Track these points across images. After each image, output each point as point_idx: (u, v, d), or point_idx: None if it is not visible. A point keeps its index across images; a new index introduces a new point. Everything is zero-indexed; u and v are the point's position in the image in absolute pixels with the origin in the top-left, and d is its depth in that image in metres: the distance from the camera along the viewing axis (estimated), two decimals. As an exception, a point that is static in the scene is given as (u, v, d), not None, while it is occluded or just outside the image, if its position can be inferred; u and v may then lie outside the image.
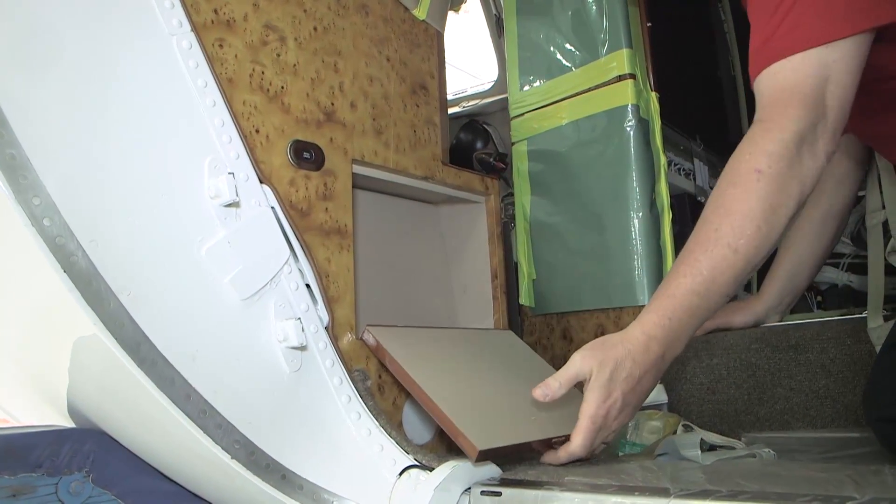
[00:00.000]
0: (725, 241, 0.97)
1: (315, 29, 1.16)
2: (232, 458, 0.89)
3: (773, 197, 0.96)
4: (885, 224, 1.39)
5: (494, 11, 2.40)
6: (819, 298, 2.08)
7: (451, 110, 2.35)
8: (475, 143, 2.31)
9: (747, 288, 2.23)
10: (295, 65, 1.11)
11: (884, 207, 1.39)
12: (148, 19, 0.92)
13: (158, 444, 0.94)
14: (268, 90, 1.07)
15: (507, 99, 1.89)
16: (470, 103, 2.47)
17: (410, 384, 1.08)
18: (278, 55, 1.09)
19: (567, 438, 1.12)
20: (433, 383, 1.08)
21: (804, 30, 0.96)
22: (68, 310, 0.80)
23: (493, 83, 2.50)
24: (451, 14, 1.67)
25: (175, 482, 0.98)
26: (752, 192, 0.96)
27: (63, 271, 0.78)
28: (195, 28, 0.97)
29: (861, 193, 1.51)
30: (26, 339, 0.95)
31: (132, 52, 0.89)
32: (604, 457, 1.14)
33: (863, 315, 1.37)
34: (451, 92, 2.58)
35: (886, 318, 1.32)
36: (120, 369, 0.82)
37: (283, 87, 1.09)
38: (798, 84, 0.96)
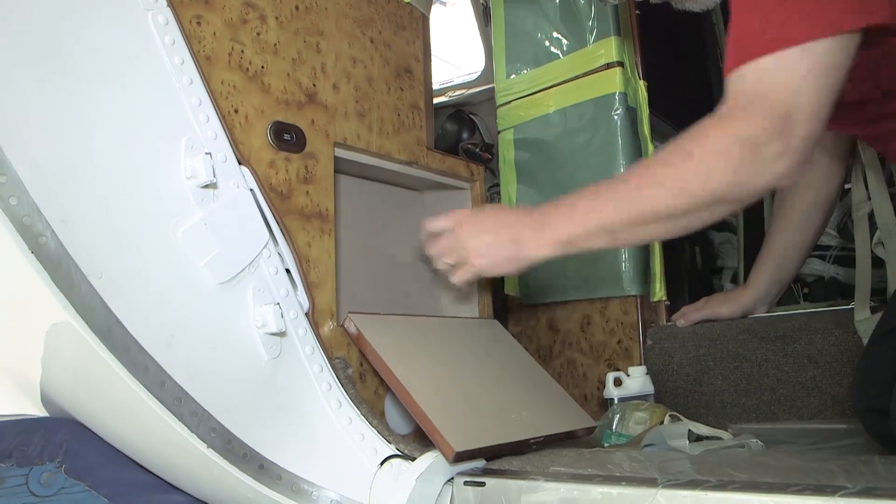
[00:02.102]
0: (628, 186, 1.00)
1: (297, 8, 1.13)
2: (208, 446, 0.86)
3: (690, 181, 0.94)
4: (872, 216, 1.39)
5: (482, 0, 2.38)
6: (806, 291, 2.08)
7: (437, 100, 2.33)
8: (461, 133, 2.29)
9: (735, 280, 2.23)
10: (276, 44, 1.08)
11: (869, 199, 1.39)
12: (122, -7, 0.89)
13: (133, 433, 0.91)
14: (247, 69, 1.04)
15: (493, 89, 1.87)
16: (456, 93, 2.45)
17: (390, 377, 1.06)
18: (258, 34, 1.06)
19: (546, 439, 1.11)
20: (413, 377, 1.06)
21: (774, 30, 0.90)
22: (41, 296, 0.77)
23: (479, 73, 2.48)
24: (437, 6, 1.65)
25: (150, 472, 0.96)
26: (672, 163, 0.96)
27: (30, 252, 0.75)
28: (172, 4, 0.94)
29: (847, 186, 1.50)
30: (0, 327, 0.92)
31: (105, 27, 0.86)
32: (589, 448, 1.13)
33: (850, 306, 1.37)
34: (438, 82, 2.56)
35: (873, 310, 1.32)
36: (92, 356, 0.79)
37: (263, 67, 1.06)
38: (765, 91, 0.90)
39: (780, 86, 0.89)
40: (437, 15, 1.60)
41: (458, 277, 1.17)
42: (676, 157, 0.96)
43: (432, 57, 1.47)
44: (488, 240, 1.11)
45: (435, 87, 1.85)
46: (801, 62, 0.88)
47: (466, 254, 1.13)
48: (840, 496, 0.67)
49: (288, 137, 1.07)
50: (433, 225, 1.20)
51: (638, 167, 1.02)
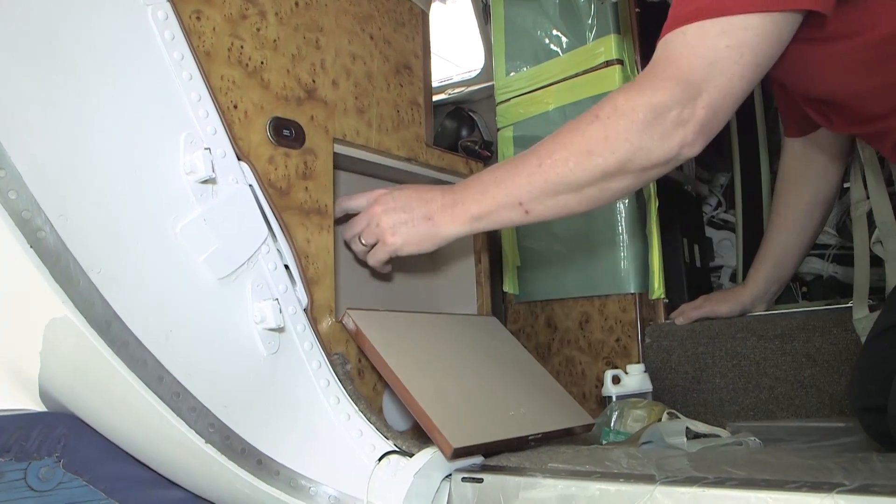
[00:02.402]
0: (537, 154, 1.00)
1: (297, 4, 1.13)
2: (206, 442, 0.86)
3: (595, 143, 0.95)
4: (870, 215, 1.39)
5: (481, -3, 2.38)
6: (804, 289, 2.09)
7: (436, 97, 2.32)
8: (460, 130, 2.28)
9: (733, 278, 2.23)
10: (275, 40, 1.08)
11: (868, 198, 1.39)
12: (122, -12, 0.89)
13: (131, 428, 0.91)
14: (247, 65, 1.04)
15: (493, 87, 1.87)
16: (455, 91, 2.44)
17: (388, 373, 1.06)
18: (258, 30, 1.06)
19: (544, 436, 1.11)
20: (411, 374, 1.06)
21: (694, 3, 0.91)
22: (40, 291, 0.78)
23: (479, 71, 2.48)
24: (437, 3, 1.65)
25: (149, 467, 0.96)
26: (580, 128, 0.97)
27: (29, 247, 0.75)
28: (171, -1, 0.94)
29: (845, 185, 1.50)
30: (-1, 323, 0.92)
31: (104, 22, 0.86)
32: (587, 446, 1.13)
33: (848, 305, 1.37)
34: (437, 79, 2.55)
35: (872, 309, 1.32)
36: (90, 350, 0.79)
37: (262, 63, 1.06)
38: (680, 59, 0.91)
39: (697, 55, 0.90)
40: (436, 12, 1.60)
41: (373, 258, 1.17)
42: (585, 120, 0.97)
43: (432, 54, 1.47)
44: (403, 217, 1.11)
45: (434, 84, 1.85)
46: (722, 36, 0.88)
47: (381, 231, 1.12)
48: (837, 493, 0.67)
49: (287, 133, 1.07)
50: (348, 204, 1.19)
51: (548, 137, 1.02)
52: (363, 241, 1.16)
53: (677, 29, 0.92)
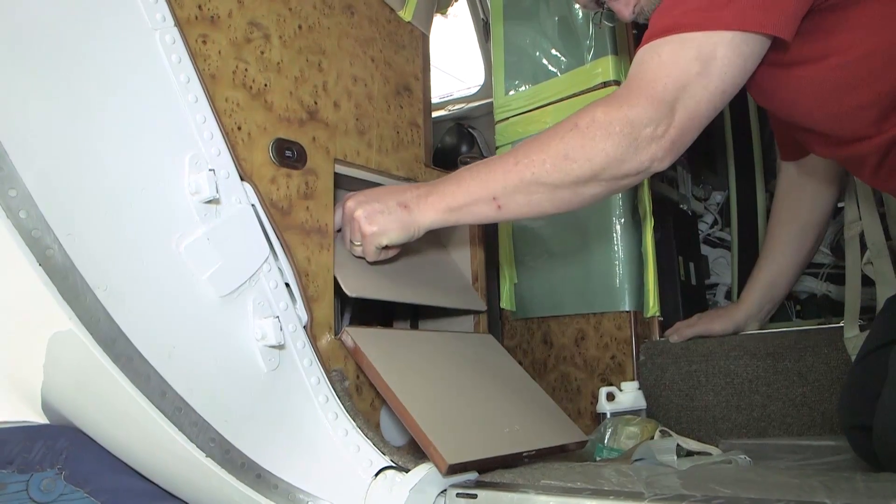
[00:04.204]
0: (514, 154, 1.05)
1: (300, 27, 1.15)
2: (207, 456, 0.88)
3: (572, 149, 0.99)
4: (863, 235, 1.41)
5: (482, 16, 2.41)
6: (798, 307, 2.10)
7: (436, 113, 2.35)
8: (460, 146, 2.31)
9: (729, 296, 2.25)
10: (279, 63, 1.11)
11: (860, 219, 1.41)
12: (131, 12, 0.91)
13: (133, 441, 0.93)
14: (251, 87, 1.06)
15: (492, 103, 1.89)
16: (456, 107, 2.47)
17: (385, 390, 1.08)
18: (262, 53, 1.09)
19: (538, 453, 1.13)
20: (408, 390, 1.08)
21: (674, 17, 0.96)
22: (45, 305, 0.79)
23: (479, 87, 2.51)
24: (438, 17, 1.68)
25: (149, 480, 0.97)
26: (559, 134, 1.02)
27: (38, 265, 0.77)
28: (178, 23, 0.96)
29: (840, 205, 1.53)
30: (3, 335, 0.94)
31: (114, 45, 0.88)
32: (581, 462, 1.14)
33: (840, 324, 1.39)
34: (437, 95, 2.58)
35: (862, 328, 1.34)
36: (95, 365, 0.81)
37: (266, 85, 1.08)
38: (655, 79, 0.96)
39: (670, 77, 0.95)
40: (438, 25, 1.63)
41: (367, 256, 1.19)
42: (564, 128, 1.02)
43: (432, 69, 1.49)
44: (377, 206, 1.14)
45: (435, 100, 1.88)
46: (693, 62, 0.94)
47: (359, 224, 1.15)
48: (818, 512, 0.69)
49: (289, 154, 1.09)
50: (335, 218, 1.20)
51: (525, 141, 1.07)
52: (354, 241, 1.18)
53: (653, 43, 0.97)
